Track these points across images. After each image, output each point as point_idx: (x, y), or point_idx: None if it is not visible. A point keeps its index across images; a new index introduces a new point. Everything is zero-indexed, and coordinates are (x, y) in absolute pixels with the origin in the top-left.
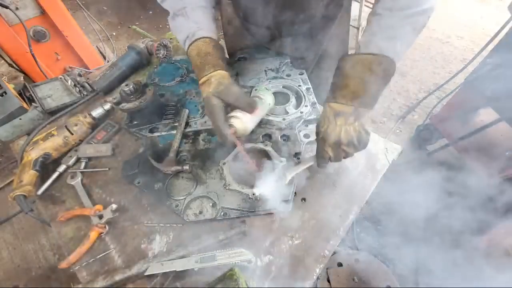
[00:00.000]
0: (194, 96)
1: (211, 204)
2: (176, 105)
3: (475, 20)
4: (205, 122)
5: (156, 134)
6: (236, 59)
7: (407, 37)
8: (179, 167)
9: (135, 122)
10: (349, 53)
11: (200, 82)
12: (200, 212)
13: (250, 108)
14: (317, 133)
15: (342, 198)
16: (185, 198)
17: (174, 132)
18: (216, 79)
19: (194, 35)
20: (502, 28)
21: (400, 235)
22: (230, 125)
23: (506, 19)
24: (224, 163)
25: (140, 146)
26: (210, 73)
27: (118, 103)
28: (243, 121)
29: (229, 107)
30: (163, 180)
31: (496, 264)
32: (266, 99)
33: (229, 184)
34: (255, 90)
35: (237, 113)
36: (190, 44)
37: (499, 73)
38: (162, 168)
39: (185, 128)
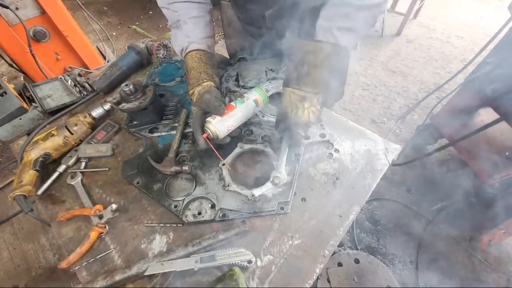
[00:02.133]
0: None
1: (210, 205)
2: (176, 105)
3: (475, 20)
4: (187, 115)
5: (156, 134)
6: (237, 60)
7: (360, 30)
8: (178, 168)
9: (135, 122)
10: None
11: (189, 94)
12: (199, 213)
13: (218, 112)
14: (285, 118)
15: (342, 198)
16: (184, 199)
17: (174, 132)
18: (197, 91)
19: (186, 50)
20: (502, 28)
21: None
22: (205, 130)
23: (506, 19)
24: (223, 164)
25: (140, 146)
26: (194, 87)
27: (118, 103)
28: (213, 124)
29: (207, 114)
30: (162, 180)
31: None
32: (250, 98)
33: (228, 185)
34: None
35: (208, 118)
36: (183, 58)
37: (499, 73)
38: (161, 169)
39: (184, 128)
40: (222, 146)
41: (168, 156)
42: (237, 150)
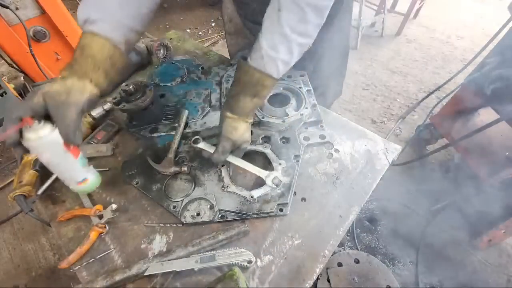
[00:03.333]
0: (194, 97)
1: (209, 206)
2: (176, 105)
3: (475, 20)
4: (205, 123)
5: (156, 134)
6: (237, 60)
7: (292, 64)
8: (177, 168)
9: (135, 123)
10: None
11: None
12: (198, 214)
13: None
14: (224, 137)
15: (342, 198)
16: (183, 200)
17: (174, 132)
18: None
19: (89, 22)
20: (502, 28)
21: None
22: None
23: (506, 19)
24: (222, 165)
25: (140, 147)
26: (63, 72)
27: (118, 103)
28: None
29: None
30: (162, 181)
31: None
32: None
33: (227, 186)
34: None
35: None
36: (82, 32)
37: (499, 73)
38: (160, 169)
39: (184, 128)
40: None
41: (167, 157)
42: None
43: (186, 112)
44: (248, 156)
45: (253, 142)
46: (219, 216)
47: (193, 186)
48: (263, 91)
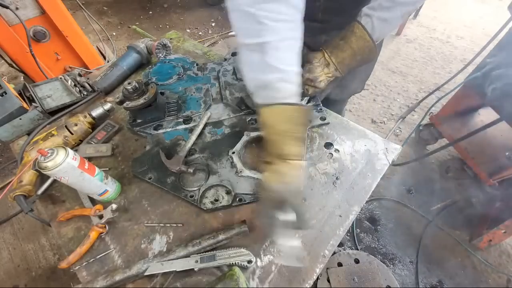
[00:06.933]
0: (194, 92)
1: (225, 192)
2: (177, 101)
3: (475, 20)
4: (209, 116)
5: (161, 131)
6: (231, 55)
7: (394, 22)
8: (183, 168)
9: (139, 121)
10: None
11: (266, 163)
12: (216, 200)
13: (303, 226)
14: (311, 79)
15: (342, 198)
16: (199, 188)
17: (179, 127)
18: (286, 171)
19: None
20: (502, 28)
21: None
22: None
23: (506, 19)
24: (233, 152)
25: (146, 144)
26: (280, 161)
27: (121, 102)
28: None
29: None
30: (175, 173)
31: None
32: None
33: (241, 171)
34: None
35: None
36: (268, 105)
37: (499, 73)
38: (168, 166)
39: (188, 123)
40: (230, 136)
41: (178, 154)
42: (244, 138)
43: (209, 114)
44: (258, 141)
45: (258, 129)
46: (237, 199)
47: (207, 175)
48: (348, 36)
